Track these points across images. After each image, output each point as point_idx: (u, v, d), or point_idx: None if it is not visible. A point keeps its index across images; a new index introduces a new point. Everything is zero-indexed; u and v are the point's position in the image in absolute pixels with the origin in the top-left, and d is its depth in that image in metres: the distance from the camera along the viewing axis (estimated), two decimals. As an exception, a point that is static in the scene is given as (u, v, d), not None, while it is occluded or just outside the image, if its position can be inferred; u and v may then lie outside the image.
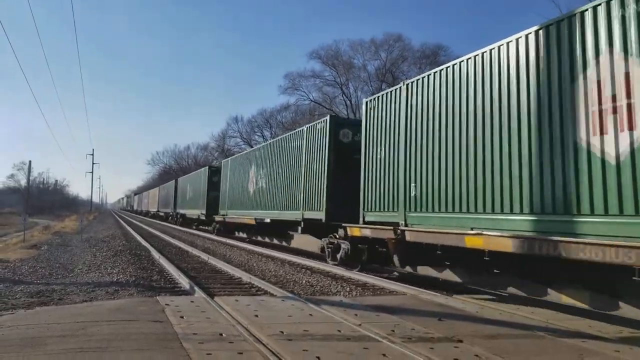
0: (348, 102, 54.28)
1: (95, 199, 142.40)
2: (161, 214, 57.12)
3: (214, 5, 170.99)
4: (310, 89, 59.25)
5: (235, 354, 4.61)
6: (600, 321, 6.67)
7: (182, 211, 42.47)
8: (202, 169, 36.51)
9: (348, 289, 10.74)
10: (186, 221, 41.09)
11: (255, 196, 22.89)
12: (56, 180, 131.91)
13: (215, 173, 32.61)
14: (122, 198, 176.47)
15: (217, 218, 29.51)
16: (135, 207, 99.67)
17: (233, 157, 30.88)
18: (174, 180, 48.89)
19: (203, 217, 33.20)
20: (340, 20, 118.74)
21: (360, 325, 5.94)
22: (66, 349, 4.61)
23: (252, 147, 51.86)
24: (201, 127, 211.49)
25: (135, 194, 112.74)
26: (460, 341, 5.31)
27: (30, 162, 45.16)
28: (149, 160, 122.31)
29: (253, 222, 21.87)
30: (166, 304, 6.91)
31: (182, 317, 6.10)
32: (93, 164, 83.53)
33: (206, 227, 33.93)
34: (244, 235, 26.29)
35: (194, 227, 37.45)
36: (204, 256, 16.79)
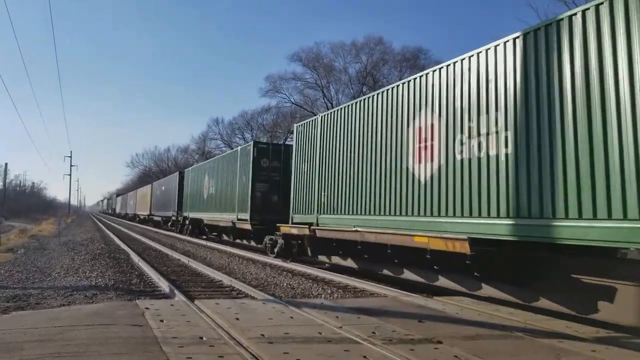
0: (329, 105, 54.30)
1: (74, 202, 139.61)
2: (156, 218, 45.77)
3: (195, 5, 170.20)
4: (292, 91, 59.27)
5: (215, 357, 4.59)
6: (577, 322, 6.78)
7: (197, 215, 29.68)
8: (243, 147, 23.44)
9: (329, 291, 10.75)
10: (208, 230, 29.04)
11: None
12: (33, 183, 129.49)
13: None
14: (102, 200, 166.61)
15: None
16: (118, 210, 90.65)
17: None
18: (176, 174, 37.67)
19: (246, 225, 20.54)
20: (324, 22, 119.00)
21: (341, 327, 5.96)
22: (43, 354, 4.54)
23: (232, 149, 51.68)
24: (182, 128, 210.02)
25: (117, 195, 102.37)
26: (440, 342, 5.36)
27: (6, 164, 44.60)
28: (129, 163, 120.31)
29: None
30: (146, 308, 6.86)
31: (161, 320, 6.06)
32: (71, 166, 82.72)
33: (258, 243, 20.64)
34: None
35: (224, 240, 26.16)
36: (184, 259, 16.68)
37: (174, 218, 36.21)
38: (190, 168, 33.23)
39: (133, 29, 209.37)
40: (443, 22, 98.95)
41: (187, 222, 32.06)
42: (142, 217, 56.20)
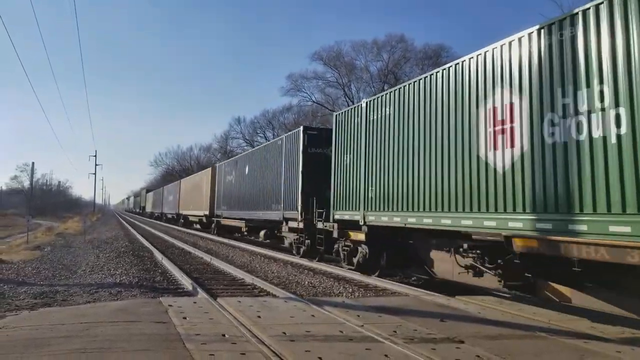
0: (350, 103, 54.21)
1: (98, 200, 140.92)
2: (226, 220, 27.90)
3: (217, 5, 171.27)
4: (313, 90, 59.28)
5: (238, 354, 4.63)
6: (602, 323, 6.68)
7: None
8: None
9: (350, 290, 10.75)
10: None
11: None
12: (59, 182, 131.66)
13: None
14: (128, 198, 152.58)
15: None
16: (149, 209, 74.69)
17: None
18: (260, 147, 25.12)
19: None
20: (343, 20, 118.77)
21: (362, 326, 5.96)
22: (70, 349, 4.64)
23: (253, 147, 51.84)
24: (204, 128, 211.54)
25: (147, 191, 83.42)
26: (462, 342, 5.33)
27: (33, 163, 45.30)
28: (152, 162, 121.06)
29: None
30: (169, 305, 6.94)
31: (184, 318, 6.13)
32: (96, 165, 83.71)
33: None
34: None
35: None
36: (207, 257, 16.82)
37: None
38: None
39: (155, 30, 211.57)
40: (464, 19, 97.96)
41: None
42: (196, 219, 36.99)
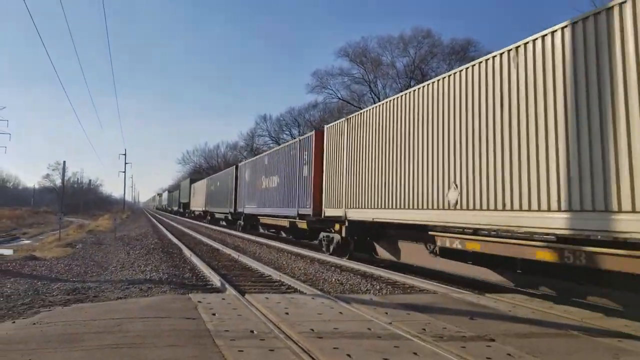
0: (376, 99, 53.97)
1: (128, 198, 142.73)
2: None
3: (243, 5, 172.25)
4: (338, 87, 59.18)
5: (266, 350, 4.66)
6: (637, 321, 6.52)
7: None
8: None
9: (378, 287, 10.71)
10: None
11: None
12: (90, 180, 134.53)
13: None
14: (160, 194, 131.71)
15: None
16: (195, 206, 54.31)
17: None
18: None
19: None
20: (369, 16, 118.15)
21: (390, 323, 5.94)
22: (102, 345, 4.72)
23: (279, 145, 52.00)
24: (231, 126, 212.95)
25: (192, 181, 60.13)
26: (493, 340, 5.26)
27: (64, 162, 46.13)
28: (180, 160, 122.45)
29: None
30: (198, 301, 7.02)
31: (214, 314, 6.19)
32: (125, 163, 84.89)
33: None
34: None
35: None
36: (235, 254, 16.95)
37: None
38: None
39: (181, 31, 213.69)
40: (492, 13, 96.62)
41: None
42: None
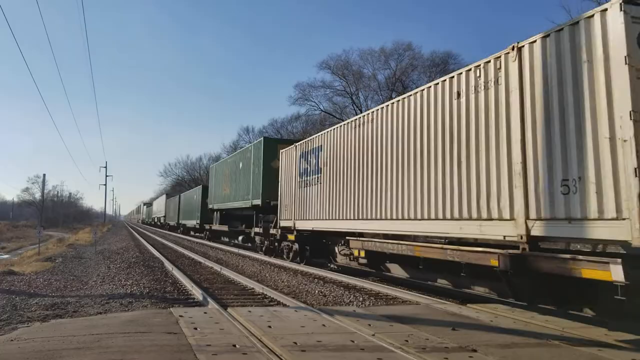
0: (358, 111, 54.22)
1: (109, 211, 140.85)
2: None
3: (227, 15, 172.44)
4: (321, 99, 59.34)
5: (249, 365, 4.62)
6: (616, 330, 6.60)
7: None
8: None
9: (361, 298, 10.71)
10: None
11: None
12: (70, 193, 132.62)
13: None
14: (146, 204, 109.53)
15: None
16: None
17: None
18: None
19: None
20: (352, 28, 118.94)
21: (373, 335, 5.93)
22: (82, 361, 4.64)
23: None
24: (213, 138, 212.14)
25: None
26: (475, 350, 5.29)
27: (44, 175, 45.55)
28: (162, 172, 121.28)
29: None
30: (180, 316, 6.95)
31: (195, 328, 6.13)
32: (106, 176, 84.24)
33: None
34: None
35: None
36: (217, 267, 16.84)
37: None
38: None
39: (164, 42, 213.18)
40: (471, 26, 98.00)
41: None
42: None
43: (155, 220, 79.97)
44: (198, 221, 39.91)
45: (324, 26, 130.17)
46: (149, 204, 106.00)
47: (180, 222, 50.43)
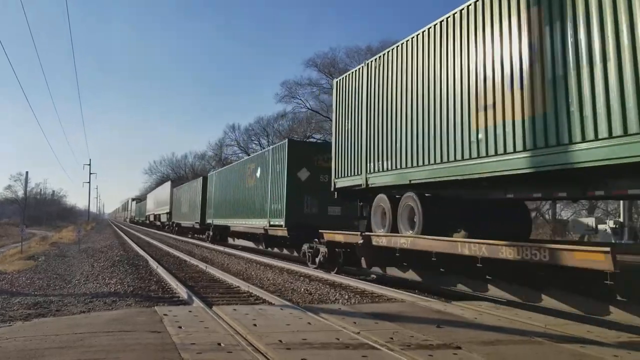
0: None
1: (93, 209, 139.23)
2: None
3: (211, 13, 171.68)
4: (307, 97, 59.29)
5: (233, 363, 4.60)
6: (599, 327, 6.68)
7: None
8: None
9: (347, 296, 10.73)
10: None
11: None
12: (53, 191, 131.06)
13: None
14: (134, 201, 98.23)
15: None
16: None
17: None
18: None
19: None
20: (338, 27, 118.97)
21: (359, 333, 5.94)
22: (64, 360, 4.59)
23: (248, 155, 51.57)
24: (199, 135, 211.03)
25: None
26: (459, 348, 5.31)
27: (27, 172, 44.88)
28: (146, 170, 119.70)
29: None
30: (164, 314, 6.90)
31: (180, 327, 6.09)
32: (90, 174, 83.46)
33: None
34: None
35: None
36: (202, 265, 16.77)
37: None
38: None
39: (148, 39, 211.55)
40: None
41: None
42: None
43: (152, 218, 61.77)
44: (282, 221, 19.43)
45: (311, 27, 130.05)
46: (139, 200, 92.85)
47: (209, 221, 31.01)
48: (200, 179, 34.55)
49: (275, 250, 21.83)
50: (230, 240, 28.10)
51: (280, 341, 5.43)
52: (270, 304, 9.47)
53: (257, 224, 21.82)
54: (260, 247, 22.85)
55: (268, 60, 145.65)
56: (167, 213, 47.82)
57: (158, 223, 56.52)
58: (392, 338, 5.66)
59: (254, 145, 70.31)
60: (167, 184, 51.13)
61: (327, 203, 18.08)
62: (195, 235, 36.30)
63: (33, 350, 4.95)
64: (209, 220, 30.80)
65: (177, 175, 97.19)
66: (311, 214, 18.55)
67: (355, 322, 6.55)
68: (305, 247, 16.01)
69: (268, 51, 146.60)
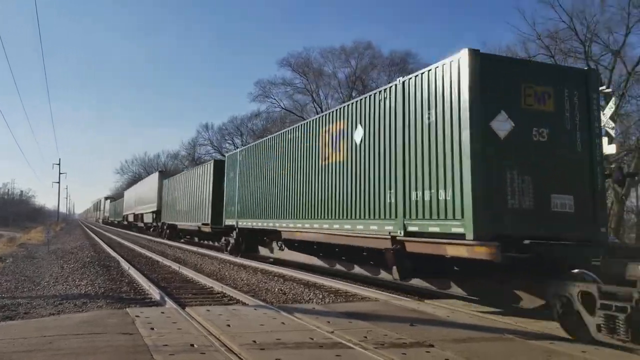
0: (318, 109, 54.23)
1: (63, 210, 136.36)
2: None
3: (184, 11, 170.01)
4: (281, 96, 59.08)
5: (207, 364, 4.57)
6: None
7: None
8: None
9: (321, 296, 10.74)
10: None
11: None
12: (21, 191, 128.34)
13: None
14: (108, 199, 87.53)
15: None
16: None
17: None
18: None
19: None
20: (312, 27, 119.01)
21: (332, 332, 5.95)
22: (32, 364, 4.50)
23: (223, 155, 51.01)
24: (172, 135, 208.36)
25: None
26: (432, 346, 5.37)
27: (-6, 172, 43.52)
28: (118, 170, 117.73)
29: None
30: (136, 316, 6.81)
31: (152, 328, 6.02)
32: (59, 173, 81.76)
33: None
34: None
35: None
36: (175, 266, 16.59)
37: None
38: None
39: (120, 38, 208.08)
40: (432, 27, 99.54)
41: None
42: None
43: (131, 219, 52.61)
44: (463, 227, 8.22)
45: (283, 25, 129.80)
46: (112, 198, 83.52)
47: (231, 223, 20.76)
48: (211, 163, 25.42)
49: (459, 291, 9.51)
50: (282, 254, 17.10)
51: (254, 341, 5.41)
52: (244, 304, 9.43)
53: (374, 230, 10.37)
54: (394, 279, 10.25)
55: (242, 60, 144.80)
56: (152, 212, 39.37)
57: (140, 224, 47.02)
58: (365, 337, 5.70)
59: (227, 144, 69.89)
60: (154, 176, 41.14)
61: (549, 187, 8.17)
62: (202, 241, 28.33)
63: (0, 354, 4.84)
64: (230, 222, 20.53)
65: (148, 174, 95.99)
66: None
67: (329, 322, 6.56)
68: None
69: (242, 50, 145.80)
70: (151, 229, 40.87)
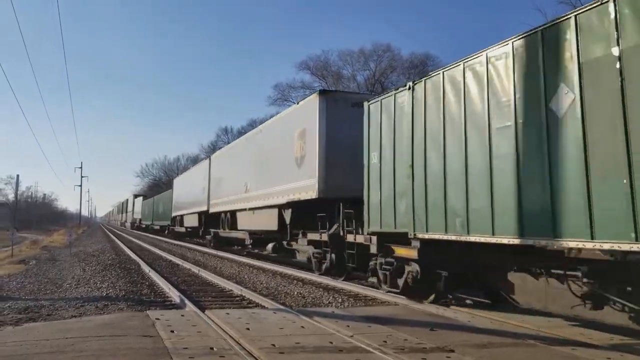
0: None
1: (85, 213, 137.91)
2: None
3: (203, 16, 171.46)
4: (300, 99, 59.40)
5: (226, 368, 4.58)
6: (591, 329, 6.70)
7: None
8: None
9: (340, 300, 10.70)
10: None
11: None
12: (44, 194, 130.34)
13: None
14: (139, 197, 69.66)
15: None
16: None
17: None
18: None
19: None
20: (330, 28, 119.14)
21: (352, 336, 5.93)
22: (55, 366, 4.55)
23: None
24: (191, 138, 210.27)
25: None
26: (452, 351, 5.31)
27: (17, 176, 44.53)
28: (138, 173, 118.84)
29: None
30: (156, 318, 6.86)
31: (172, 331, 6.06)
32: (82, 177, 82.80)
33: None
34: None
35: None
36: (195, 269, 16.69)
37: None
38: None
39: (140, 44, 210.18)
40: (449, 28, 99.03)
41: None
42: None
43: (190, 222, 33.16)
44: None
45: (301, 28, 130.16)
46: (145, 196, 67.54)
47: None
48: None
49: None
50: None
51: (274, 345, 5.41)
52: (263, 307, 9.42)
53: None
54: None
55: (262, 63, 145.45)
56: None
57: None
58: (385, 341, 5.66)
59: (246, 148, 70.05)
60: (205, 164, 28.92)
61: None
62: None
63: (23, 356, 4.91)
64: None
65: (169, 177, 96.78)
66: None
67: (348, 326, 6.54)
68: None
69: (262, 53, 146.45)
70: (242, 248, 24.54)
